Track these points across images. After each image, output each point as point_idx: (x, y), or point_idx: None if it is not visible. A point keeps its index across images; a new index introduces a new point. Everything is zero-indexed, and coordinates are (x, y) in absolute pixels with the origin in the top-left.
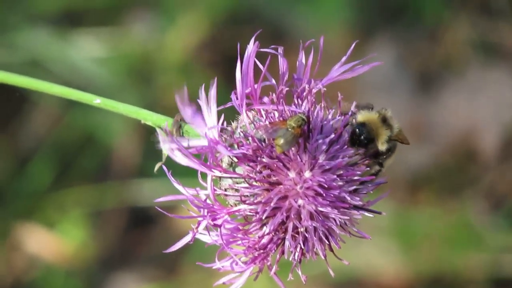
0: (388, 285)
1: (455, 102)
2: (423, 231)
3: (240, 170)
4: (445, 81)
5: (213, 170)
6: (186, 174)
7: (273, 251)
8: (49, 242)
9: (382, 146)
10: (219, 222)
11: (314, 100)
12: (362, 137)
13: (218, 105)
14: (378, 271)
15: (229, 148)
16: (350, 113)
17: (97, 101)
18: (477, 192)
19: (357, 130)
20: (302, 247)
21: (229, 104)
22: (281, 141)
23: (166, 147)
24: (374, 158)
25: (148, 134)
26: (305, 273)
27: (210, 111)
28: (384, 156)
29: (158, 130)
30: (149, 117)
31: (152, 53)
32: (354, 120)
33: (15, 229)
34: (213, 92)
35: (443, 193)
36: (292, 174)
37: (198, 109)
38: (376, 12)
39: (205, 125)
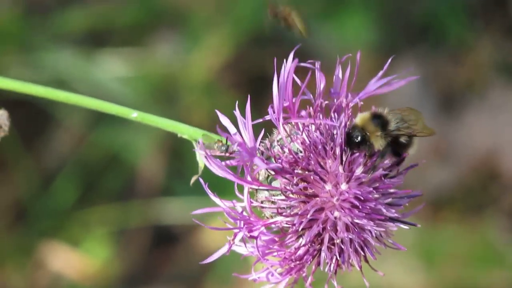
0: None
1: (477, 122)
2: (446, 250)
3: (276, 183)
4: (468, 102)
5: (249, 183)
6: (217, 189)
7: (309, 262)
8: (73, 260)
9: (377, 144)
10: (255, 234)
11: (350, 113)
12: (353, 137)
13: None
14: None
15: (266, 161)
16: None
17: (134, 115)
18: (499, 212)
19: (349, 131)
20: (338, 258)
21: (265, 118)
22: None
23: (203, 158)
24: (394, 155)
25: (173, 154)
26: None
27: (246, 126)
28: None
29: (194, 143)
30: (185, 131)
31: (176, 73)
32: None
33: (39, 247)
34: (247, 107)
35: (466, 212)
36: (328, 187)
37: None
38: (399, 33)
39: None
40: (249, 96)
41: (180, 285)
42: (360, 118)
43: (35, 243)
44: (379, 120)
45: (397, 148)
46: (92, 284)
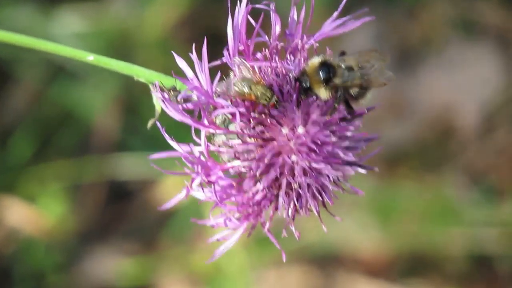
0: (366, 260)
1: (434, 78)
2: (402, 206)
3: (233, 127)
4: (424, 58)
5: (206, 127)
6: (174, 135)
7: (267, 207)
8: (29, 215)
9: (322, 94)
10: (212, 178)
11: (306, 55)
12: (301, 83)
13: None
14: (356, 247)
15: (226, 104)
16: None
17: (90, 58)
18: (456, 168)
19: (297, 76)
20: (296, 203)
21: (219, 61)
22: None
23: (160, 102)
24: (346, 104)
25: (127, 110)
26: (284, 249)
27: (203, 68)
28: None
29: (151, 86)
30: (141, 74)
31: (131, 29)
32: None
33: None
34: (204, 49)
35: (422, 169)
36: (285, 130)
37: (190, 66)
38: None
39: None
40: (205, 38)
41: (136, 241)
42: (310, 64)
43: None
44: (326, 70)
45: (348, 98)
46: (47, 239)
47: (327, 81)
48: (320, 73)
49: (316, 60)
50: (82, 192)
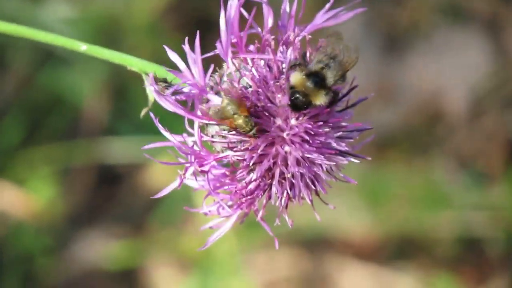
0: (356, 243)
1: (422, 64)
2: (391, 190)
3: None
4: (412, 43)
5: (200, 118)
6: (165, 125)
7: (260, 196)
8: (18, 199)
9: (322, 100)
10: (206, 168)
11: (299, 47)
12: (298, 104)
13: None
14: (346, 230)
15: (219, 97)
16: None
17: (83, 47)
18: (445, 152)
19: (293, 98)
20: (289, 192)
21: (212, 53)
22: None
23: (153, 93)
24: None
25: (117, 94)
26: (274, 232)
27: (196, 61)
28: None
29: (144, 76)
30: (134, 63)
31: (120, 14)
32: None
33: None
34: (197, 41)
35: (411, 153)
36: (278, 121)
37: (183, 58)
38: None
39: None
40: (198, 32)
41: (125, 224)
42: (297, 80)
43: None
44: (317, 79)
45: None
46: (37, 223)
47: (323, 86)
48: (313, 83)
49: (299, 76)
50: (71, 176)
